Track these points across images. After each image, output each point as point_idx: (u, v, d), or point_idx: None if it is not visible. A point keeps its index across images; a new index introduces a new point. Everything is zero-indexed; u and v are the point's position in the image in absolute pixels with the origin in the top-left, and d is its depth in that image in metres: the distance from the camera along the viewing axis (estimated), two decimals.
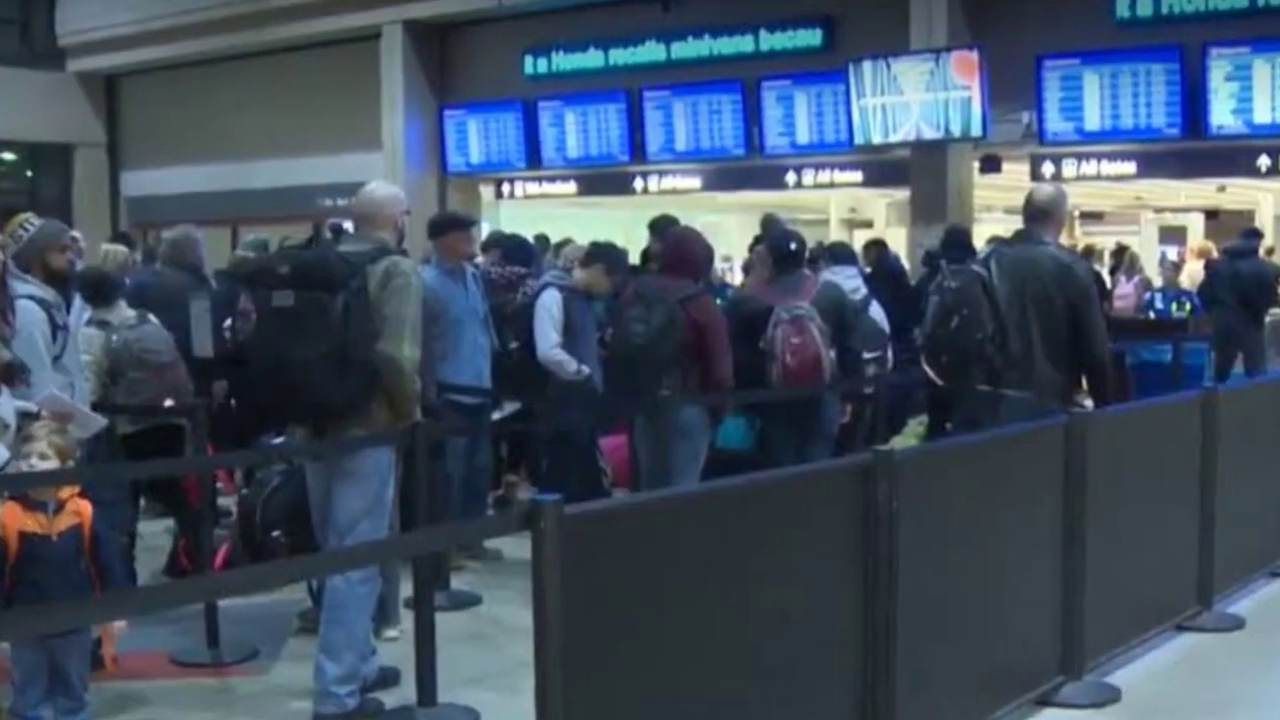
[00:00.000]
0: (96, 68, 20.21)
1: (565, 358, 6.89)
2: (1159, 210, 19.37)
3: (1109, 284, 12.56)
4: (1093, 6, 12.60)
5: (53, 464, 4.18)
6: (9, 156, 20.99)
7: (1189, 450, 5.58)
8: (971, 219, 13.67)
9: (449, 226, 7.17)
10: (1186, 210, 18.85)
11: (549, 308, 6.94)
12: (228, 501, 7.26)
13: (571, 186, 16.58)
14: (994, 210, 17.22)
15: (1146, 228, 19.75)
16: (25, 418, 4.45)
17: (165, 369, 6.21)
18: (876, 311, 7.84)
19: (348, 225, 6.41)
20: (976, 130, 12.81)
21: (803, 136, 14.34)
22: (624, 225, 14.61)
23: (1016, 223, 6.15)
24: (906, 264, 12.09)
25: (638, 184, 16.00)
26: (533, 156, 16.10)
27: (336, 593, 4.72)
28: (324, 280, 4.57)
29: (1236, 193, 16.38)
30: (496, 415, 7.32)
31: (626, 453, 6.65)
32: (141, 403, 6.09)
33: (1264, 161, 12.38)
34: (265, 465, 6.08)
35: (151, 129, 19.99)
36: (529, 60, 16.17)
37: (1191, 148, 12.48)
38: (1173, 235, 19.22)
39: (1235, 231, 13.12)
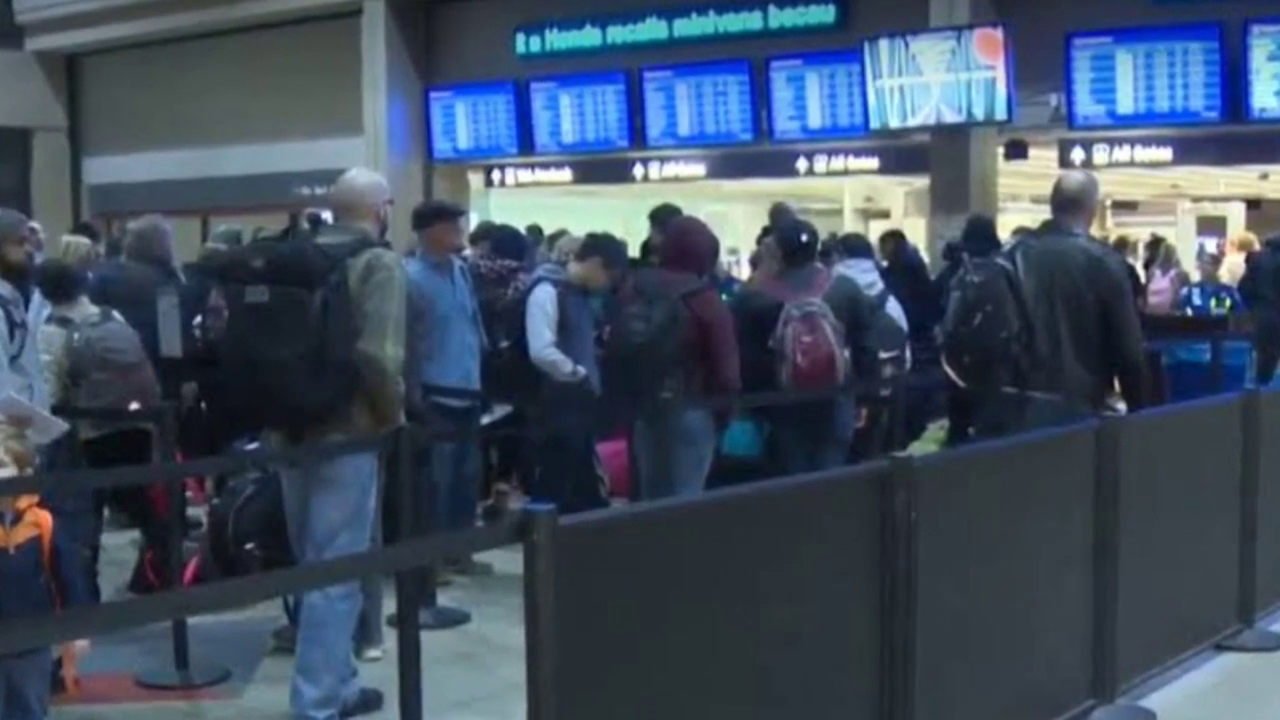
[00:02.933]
0: (57, 46, 20.20)
1: (560, 358, 6.89)
2: (1197, 199, 19.39)
3: (1143, 278, 12.55)
4: None
5: (10, 472, 4.17)
6: None
7: (1229, 457, 5.58)
8: (996, 209, 13.67)
9: (435, 217, 7.18)
10: (1226, 199, 18.86)
11: (542, 304, 6.94)
12: (198, 512, 7.27)
13: (567, 174, 16.58)
14: (1020, 199, 17.23)
15: (1183, 218, 19.77)
16: None
17: (131, 370, 6.21)
18: (894, 308, 7.85)
19: (326, 215, 6.42)
20: (1001, 113, 12.80)
21: (815, 120, 14.33)
22: (623, 215, 14.61)
23: (1044, 213, 6.16)
24: (926, 257, 12.10)
25: (638, 171, 15.99)
26: (525, 141, 16.10)
27: (314, 610, 4.72)
28: (301, 275, 4.57)
29: None
30: (486, 419, 7.33)
31: (625, 459, 6.66)
32: (105, 406, 6.10)
33: None
34: (238, 473, 6.08)
35: (116, 112, 19.99)
36: (521, 38, 16.17)
37: (1232, 132, 12.47)
38: (1211, 226, 19.26)
39: (1278, 222, 13.11)
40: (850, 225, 17.60)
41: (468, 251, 8.42)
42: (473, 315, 7.08)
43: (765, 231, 9.18)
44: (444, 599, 6.40)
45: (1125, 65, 12.51)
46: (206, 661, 5.48)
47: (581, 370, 6.94)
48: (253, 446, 5.85)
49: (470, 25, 16.83)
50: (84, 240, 8.85)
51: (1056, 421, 5.23)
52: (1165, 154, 13.19)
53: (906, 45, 13.10)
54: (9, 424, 4.44)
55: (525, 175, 16.87)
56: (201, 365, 7.01)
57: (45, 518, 4.17)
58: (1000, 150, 13.68)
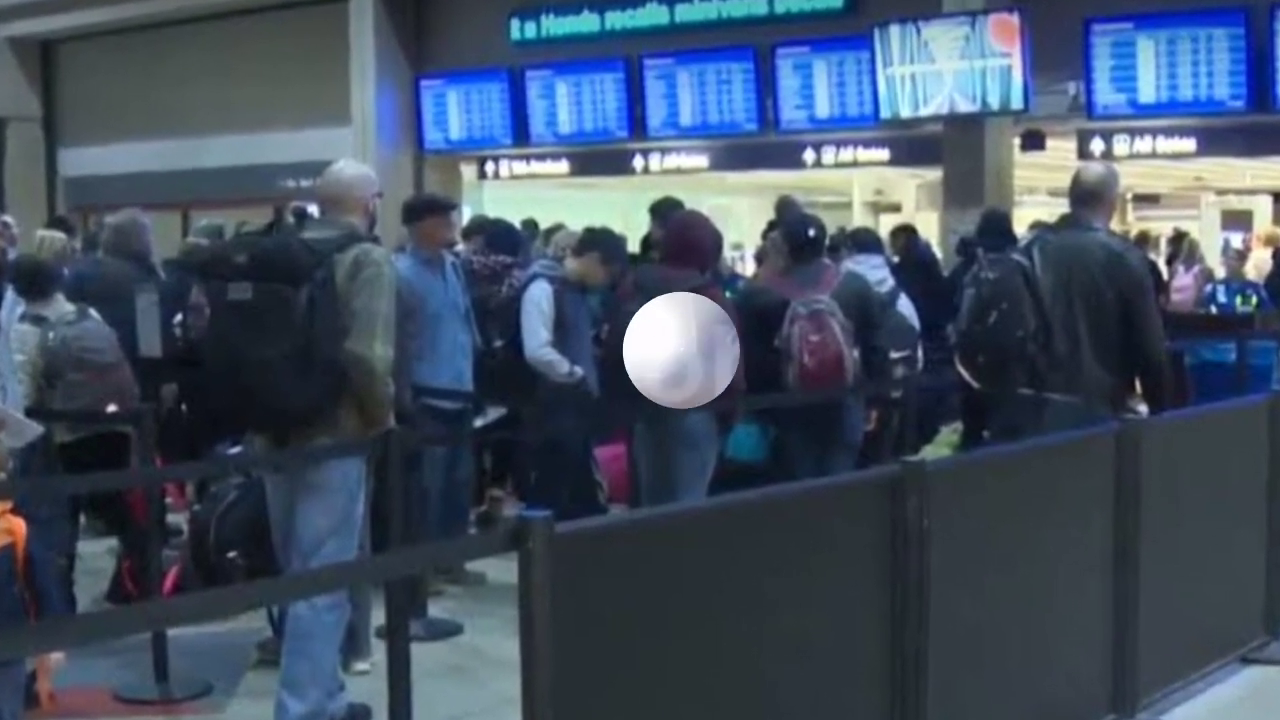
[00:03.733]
0: (31, 32, 20.20)
1: (556, 358, 6.89)
2: (1221, 192, 19.39)
3: (1165, 275, 12.56)
4: None
5: None
6: None
7: (1255, 461, 5.58)
8: (1011, 202, 13.67)
9: (426, 210, 7.18)
10: (1252, 192, 18.87)
11: (538, 302, 6.94)
12: (178, 519, 7.27)
13: (563, 166, 16.59)
14: (1037, 192, 17.24)
15: (1207, 212, 19.77)
16: None
17: (108, 370, 6.21)
18: (905, 306, 7.85)
19: (312, 209, 6.41)
20: (1017, 103, 12.80)
21: (822, 110, 14.34)
22: (622, 209, 14.62)
23: (1061, 206, 6.16)
24: (939, 252, 12.09)
25: (637, 163, 16.00)
26: (520, 132, 16.10)
27: (300, 621, 4.72)
28: (286, 271, 4.58)
29: None
30: (479, 422, 7.32)
31: (625, 464, 6.65)
32: (82, 408, 6.10)
33: None
34: (220, 478, 6.08)
35: (93, 101, 19.99)
36: (516, 24, 16.17)
37: (1258, 122, 12.47)
38: (1237, 220, 19.25)
39: None
40: (860, 219, 17.60)
41: (460, 247, 8.41)
42: (465, 313, 7.08)
43: (771, 226, 9.17)
44: (435, 609, 6.40)
45: (1147, 52, 12.50)
46: (187, 675, 5.47)
47: (579, 371, 6.93)
48: (236, 450, 5.84)
49: (463, 10, 16.82)
50: (59, 235, 8.84)
51: (1075, 424, 5.22)
52: (1188, 145, 13.19)
53: (918, 31, 13.09)
54: None
55: (520, 167, 16.88)
56: (182, 365, 7.00)
57: (19, 525, 4.17)
58: (1016, 141, 13.69)
